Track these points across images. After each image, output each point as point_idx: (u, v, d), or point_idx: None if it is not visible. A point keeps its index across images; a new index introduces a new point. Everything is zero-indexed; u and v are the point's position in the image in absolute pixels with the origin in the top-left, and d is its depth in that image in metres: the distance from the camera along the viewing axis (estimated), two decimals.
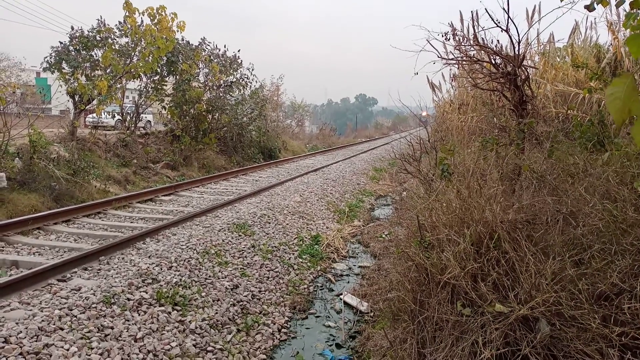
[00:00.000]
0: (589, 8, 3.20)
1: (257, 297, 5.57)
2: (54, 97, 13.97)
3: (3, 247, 5.93)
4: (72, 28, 14.30)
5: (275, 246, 7.00)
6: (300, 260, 6.93)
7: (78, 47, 14.28)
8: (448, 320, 3.28)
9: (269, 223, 7.84)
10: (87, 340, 3.78)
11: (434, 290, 3.39)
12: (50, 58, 13.84)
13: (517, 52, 5.88)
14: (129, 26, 13.80)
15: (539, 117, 6.91)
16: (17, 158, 9.96)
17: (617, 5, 3.70)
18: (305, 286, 6.25)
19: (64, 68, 13.78)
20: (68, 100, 13.92)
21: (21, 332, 3.58)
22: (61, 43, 14.08)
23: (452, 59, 6.51)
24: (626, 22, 3.68)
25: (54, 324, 3.80)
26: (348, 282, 6.66)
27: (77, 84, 12.77)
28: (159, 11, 13.99)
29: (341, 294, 5.97)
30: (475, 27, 6.29)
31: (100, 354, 3.69)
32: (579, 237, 3.54)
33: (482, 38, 6.37)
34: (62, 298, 4.26)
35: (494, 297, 3.26)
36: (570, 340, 2.99)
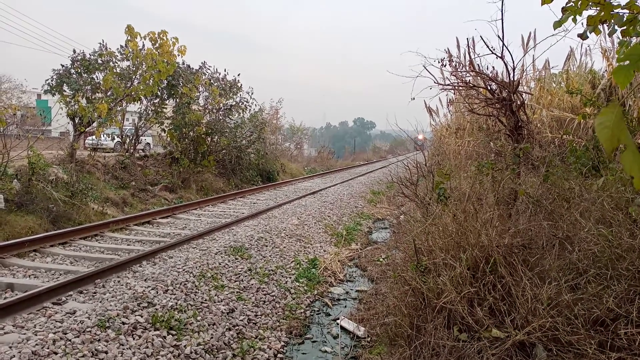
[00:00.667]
0: (582, 37, 3.27)
1: (253, 321, 5.52)
2: (55, 119, 14.05)
3: None
4: (74, 51, 14.47)
5: (272, 270, 6.98)
6: (297, 284, 6.89)
7: (79, 70, 14.44)
8: (445, 346, 3.26)
9: (266, 246, 7.82)
10: None
11: (430, 315, 3.38)
12: (52, 80, 13.97)
13: (512, 79, 5.98)
14: (131, 50, 13.98)
15: (535, 142, 6.97)
16: (15, 180, 9.98)
17: (610, 34, 3.78)
18: (302, 310, 6.20)
19: (65, 90, 13.90)
20: (68, 123, 14.02)
21: (14, 356, 3.55)
22: (63, 66, 14.23)
23: (448, 85, 6.61)
24: (619, 49, 3.75)
25: (48, 348, 3.76)
26: (345, 306, 6.61)
27: (77, 107, 12.87)
28: (161, 35, 14.19)
29: (338, 319, 5.93)
30: (472, 54, 6.39)
31: None
32: (575, 262, 3.55)
33: (478, 64, 6.47)
34: (56, 322, 4.23)
35: (491, 322, 3.26)
36: None
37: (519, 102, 6.21)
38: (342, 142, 71.24)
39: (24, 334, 3.95)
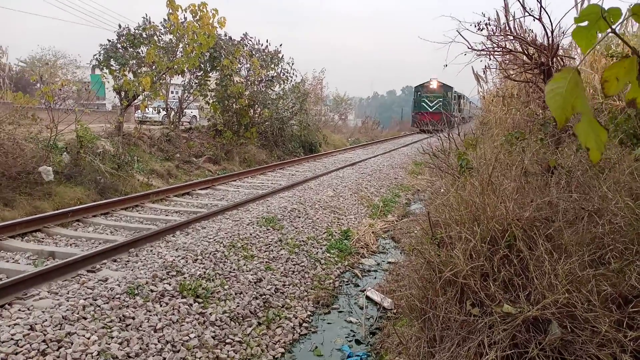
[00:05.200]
0: None
1: (281, 290, 5.62)
2: (109, 93, 14.53)
3: (43, 239, 6.26)
4: (120, 26, 14.82)
5: (303, 240, 7.04)
6: (328, 255, 6.94)
7: (125, 45, 14.80)
8: (456, 320, 3.21)
9: (299, 217, 7.88)
10: (108, 330, 3.93)
11: (443, 289, 3.32)
12: (100, 56, 14.40)
13: (550, 42, 5.64)
14: (172, 23, 14.16)
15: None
16: (65, 153, 10.46)
17: None
18: (331, 281, 6.26)
19: (112, 65, 14.30)
20: (114, 97, 14.48)
21: (46, 320, 3.77)
22: (109, 41, 14.61)
23: (482, 50, 6.32)
24: None
25: (78, 314, 3.97)
26: (375, 278, 6.62)
27: (123, 81, 13.24)
28: (201, 7, 14.27)
29: (365, 290, 5.95)
30: (508, 16, 6.05)
31: (120, 344, 3.84)
32: (600, 236, 3.37)
33: (515, 27, 6.13)
34: (88, 288, 4.45)
35: (505, 297, 3.16)
36: (583, 344, 2.86)
37: (559, 67, 5.87)
38: (389, 112, 70.12)
39: (57, 299, 4.18)
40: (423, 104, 34.65)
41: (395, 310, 5.44)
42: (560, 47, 5.74)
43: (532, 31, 6.32)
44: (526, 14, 5.68)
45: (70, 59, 34.22)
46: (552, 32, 5.56)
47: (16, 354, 3.39)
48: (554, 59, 5.77)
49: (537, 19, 5.61)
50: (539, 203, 3.75)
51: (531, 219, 3.58)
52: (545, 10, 5.48)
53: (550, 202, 3.93)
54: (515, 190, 3.55)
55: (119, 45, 14.68)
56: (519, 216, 3.50)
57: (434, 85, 34.86)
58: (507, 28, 6.01)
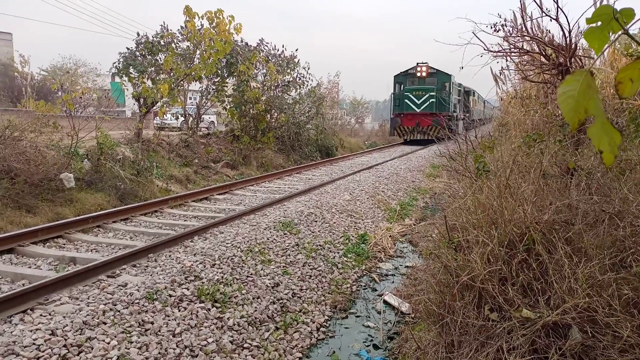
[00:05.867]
0: None
1: (298, 295, 5.62)
2: (129, 100, 14.77)
3: (64, 244, 6.37)
4: (138, 34, 15.04)
5: (320, 245, 7.04)
6: (345, 259, 6.92)
7: (144, 52, 15.02)
8: (474, 325, 3.17)
9: (316, 221, 7.89)
10: (128, 335, 3.98)
11: (460, 293, 3.29)
12: (119, 63, 14.64)
13: (568, 42, 5.56)
14: (189, 30, 14.32)
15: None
16: (86, 159, 10.64)
17: None
18: (348, 285, 6.24)
19: (131, 72, 14.52)
20: (134, 104, 14.69)
21: (67, 325, 3.83)
22: (128, 49, 14.84)
23: (499, 52, 6.25)
24: None
25: (98, 318, 4.03)
26: (393, 282, 6.58)
27: (141, 88, 13.43)
28: (217, 14, 14.41)
29: (383, 294, 5.92)
30: (524, 17, 5.99)
31: (139, 348, 3.88)
32: (621, 239, 3.31)
33: (532, 28, 6.06)
34: (108, 293, 4.51)
35: (524, 302, 3.12)
36: (604, 349, 2.81)
37: (577, 68, 5.79)
38: None
39: (78, 304, 4.25)
40: (407, 101, 24.48)
41: (413, 315, 5.40)
42: (578, 47, 5.65)
43: (549, 31, 6.24)
44: (543, 14, 5.62)
45: (90, 67, 34.88)
46: (570, 31, 5.49)
47: (38, 358, 3.45)
48: (572, 59, 5.68)
49: (554, 19, 5.54)
50: (558, 206, 3.69)
51: (550, 222, 3.53)
52: (562, 10, 5.41)
53: (570, 205, 3.87)
54: (533, 193, 3.50)
55: (137, 53, 14.90)
56: (538, 219, 3.45)
57: (422, 72, 24.64)
58: (524, 29, 5.94)
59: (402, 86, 25.09)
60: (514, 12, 6.72)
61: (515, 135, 8.90)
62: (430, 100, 23.92)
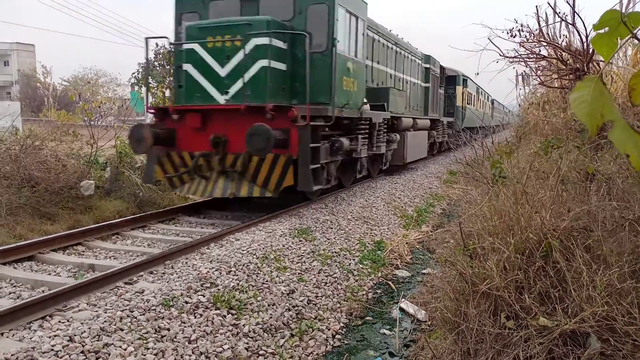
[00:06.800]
0: None
1: (313, 302, 5.62)
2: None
3: (83, 252, 6.46)
4: (157, 45, 15.29)
5: (335, 252, 7.03)
6: (361, 266, 6.90)
7: (162, 63, 15.26)
8: (490, 333, 3.13)
9: (331, 228, 7.88)
10: (144, 341, 4.01)
11: (476, 301, 3.25)
12: (138, 74, 14.90)
13: (585, 47, 5.50)
14: None
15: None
16: (108, 168, 10.80)
17: None
18: (364, 292, 6.21)
19: (150, 82, 14.74)
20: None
21: (84, 331, 3.88)
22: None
23: (515, 57, 6.22)
24: None
25: (115, 325, 4.07)
26: (409, 289, 6.54)
27: (160, 97, 13.63)
28: None
29: (399, 302, 5.88)
30: (540, 22, 5.95)
31: (155, 354, 3.90)
32: None
33: (548, 33, 6.02)
34: (125, 300, 4.56)
35: (541, 310, 3.07)
36: (624, 358, 2.75)
37: (594, 72, 5.72)
38: None
39: (96, 311, 4.30)
40: (189, 70, 8.07)
41: (429, 323, 5.36)
42: (595, 52, 5.58)
43: (565, 37, 6.19)
44: (559, 19, 5.59)
45: (110, 77, 35.54)
46: (587, 36, 5.44)
47: None
48: (589, 64, 5.63)
49: (570, 24, 5.51)
50: (576, 212, 3.64)
51: (568, 229, 3.48)
52: (579, 15, 5.37)
53: (589, 212, 3.81)
54: (551, 200, 3.46)
55: (156, 63, 15.14)
56: (555, 226, 3.41)
57: None
58: (540, 34, 5.90)
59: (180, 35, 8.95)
60: (538, 15, 6.66)
61: (534, 141, 8.80)
62: (260, 66, 7.69)
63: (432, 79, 16.84)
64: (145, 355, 3.85)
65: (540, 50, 6.37)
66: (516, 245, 3.23)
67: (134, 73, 15.11)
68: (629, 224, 3.61)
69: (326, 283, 6.11)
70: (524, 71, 7.51)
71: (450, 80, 19.49)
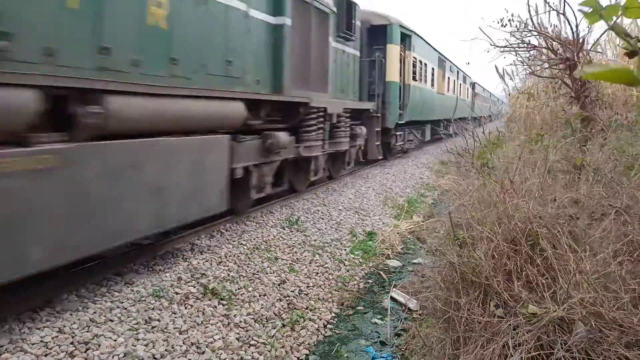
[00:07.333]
0: None
1: (305, 292, 5.63)
2: None
3: None
4: None
5: (326, 242, 7.04)
6: (352, 256, 6.92)
7: None
8: (479, 321, 3.16)
9: (322, 219, 7.89)
10: (135, 332, 4.01)
11: (465, 290, 3.27)
12: None
13: (575, 37, 5.52)
14: None
15: (607, 106, 6.43)
16: None
17: None
18: (355, 282, 6.24)
19: None
20: None
21: (74, 323, 3.86)
22: None
23: (506, 47, 6.22)
24: None
25: (105, 316, 4.06)
26: (400, 279, 6.57)
27: None
28: None
29: (391, 291, 5.91)
30: (531, 12, 5.95)
31: (146, 345, 3.90)
32: (628, 234, 3.28)
33: (539, 23, 6.02)
34: (115, 292, 4.54)
35: (529, 298, 3.10)
36: (611, 344, 2.78)
37: (585, 62, 5.74)
38: None
39: (85, 302, 4.28)
40: None
41: (420, 312, 5.39)
42: (585, 41, 5.62)
43: (556, 26, 6.20)
44: (549, 8, 5.59)
45: None
46: (577, 26, 5.45)
47: (45, 355, 3.48)
48: (580, 54, 5.64)
49: (560, 13, 5.51)
50: (562, 200, 3.67)
51: (554, 216, 3.51)
52: (569, 5, 5.37)
53: (577, 200, 3.85)
54: (538, 188, 3.48)
55: None
56: (541, 214, 3.43)
57: None
58: (531, 23, 5.91)
59: None
60: (528, 5, 6.64)
61: (520, 131, 8.84)
62: None
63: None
64: (135, 346, 3.84)
65: (530, 40, 6.38)
66: (504, 234, 3.25)
67: None
68: (615, 212, 3.65)
69: (317, 273, 6.13)
70: (508, 62, 7.51)
71: (375, 33, 11.37)
